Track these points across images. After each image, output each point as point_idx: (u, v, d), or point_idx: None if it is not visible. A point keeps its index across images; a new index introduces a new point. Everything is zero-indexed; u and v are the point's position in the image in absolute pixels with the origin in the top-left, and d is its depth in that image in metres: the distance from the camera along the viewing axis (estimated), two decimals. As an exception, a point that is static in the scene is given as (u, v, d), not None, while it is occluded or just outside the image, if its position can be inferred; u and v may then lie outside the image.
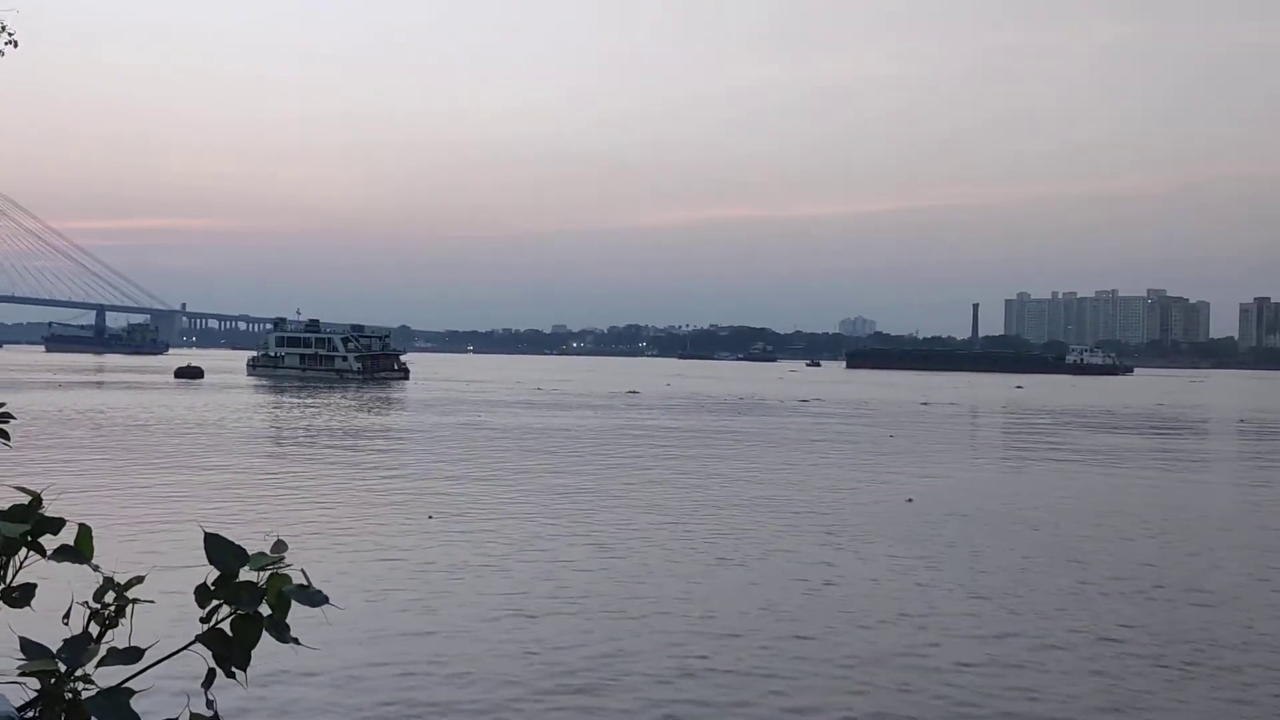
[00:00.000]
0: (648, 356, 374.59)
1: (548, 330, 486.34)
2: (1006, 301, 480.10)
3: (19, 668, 1.78)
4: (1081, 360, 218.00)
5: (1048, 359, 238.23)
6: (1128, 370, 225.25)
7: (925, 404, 73.22)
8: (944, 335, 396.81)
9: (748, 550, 17.71)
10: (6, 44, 14.45)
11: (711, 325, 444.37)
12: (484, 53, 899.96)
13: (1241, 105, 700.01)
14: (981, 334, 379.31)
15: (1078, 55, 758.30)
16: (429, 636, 12.25)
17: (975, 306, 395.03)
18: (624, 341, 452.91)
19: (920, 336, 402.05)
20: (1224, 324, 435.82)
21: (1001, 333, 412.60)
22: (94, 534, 1.93)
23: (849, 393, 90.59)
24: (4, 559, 1.87)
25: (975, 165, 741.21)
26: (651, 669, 11.17)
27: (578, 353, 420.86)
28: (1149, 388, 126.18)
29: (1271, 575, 16.49)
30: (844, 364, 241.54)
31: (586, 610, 13.54)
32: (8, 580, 1.90)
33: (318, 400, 65.29)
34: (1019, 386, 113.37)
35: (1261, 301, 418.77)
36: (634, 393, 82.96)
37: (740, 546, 18.05)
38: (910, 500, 23.82)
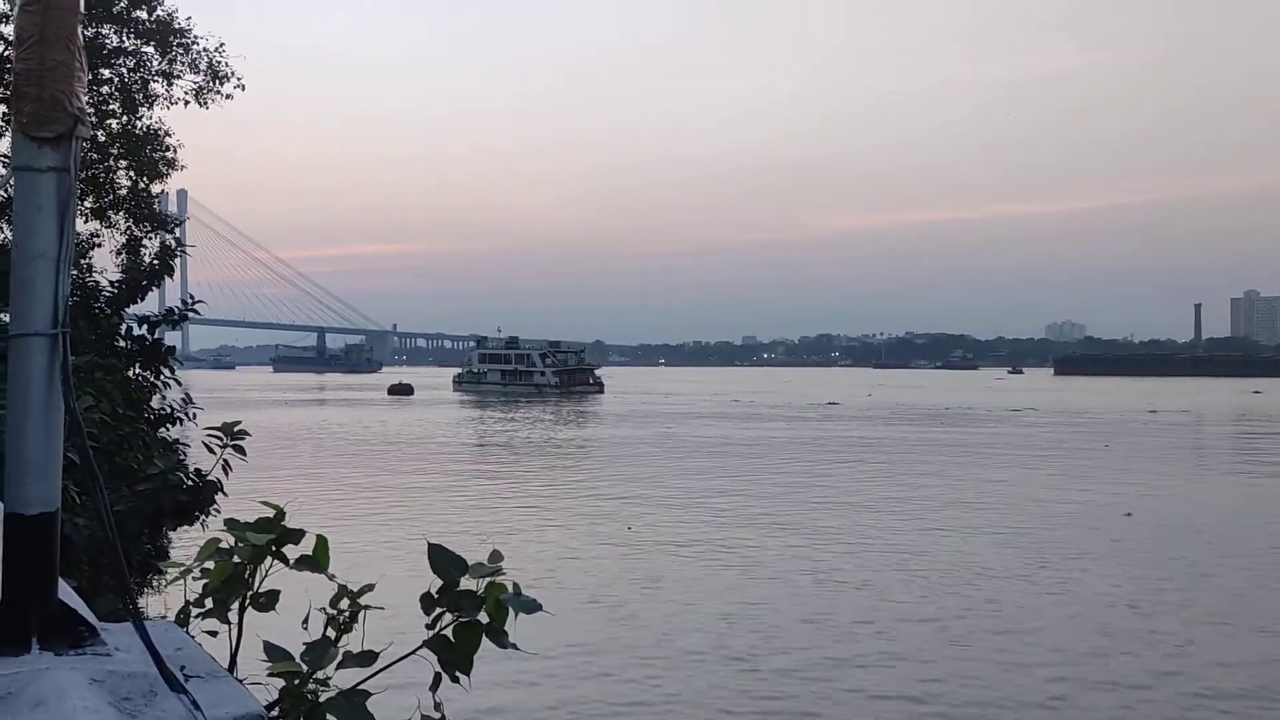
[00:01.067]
0: (841, 366, 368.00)
1: (738, 342, 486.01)
2: (1233, 300, 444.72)
3: (268, 670, 1.86)
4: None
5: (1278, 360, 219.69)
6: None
7: (1153, 411, 68.66)
8: (1162, 338, 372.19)
9: (961, 574, 17.11)
10: (236, 88, 15.76)
11: (907, 333, 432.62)
12: (670, 71, 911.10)
13: None
14: (1205, 336, 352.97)
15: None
16: (631, 646, 12.42)
17: (1197, 307, 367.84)
18: (816, 352, 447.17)
19: (1135, 340, 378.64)
20: None
21: (1228, 334, 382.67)
22: (329, 544, 2.05)
23: (1067, 401, 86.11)
24: (251, 567, 2.01)
25: (1186, 155, 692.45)
26: (867, 686, 10.95)
27: (769, 364, 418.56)
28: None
29: None
30: (1051, 371, 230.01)
31: (793, 624, 13.42)
32: (255, 586, 2.03)
33: (519, 414, 67.53)
34: (1256, 391, 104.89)
35: None
36: (833, 404, 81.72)
37: (951, 571, 17.47)
38: (1129, 514, 22.45)
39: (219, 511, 5.53)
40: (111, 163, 15.33)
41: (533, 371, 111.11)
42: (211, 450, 4.04)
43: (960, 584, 15.87)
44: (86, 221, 14.95)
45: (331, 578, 2.00)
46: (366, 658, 1.90)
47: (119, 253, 14.85)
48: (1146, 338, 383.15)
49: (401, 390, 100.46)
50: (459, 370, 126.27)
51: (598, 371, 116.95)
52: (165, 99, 15.61)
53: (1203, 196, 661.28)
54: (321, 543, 2.02)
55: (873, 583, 15.95)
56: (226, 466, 4.45)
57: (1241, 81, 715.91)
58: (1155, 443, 45.47)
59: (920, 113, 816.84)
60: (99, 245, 15.18)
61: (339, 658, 1.91)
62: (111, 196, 15.23)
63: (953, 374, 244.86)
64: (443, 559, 1.91)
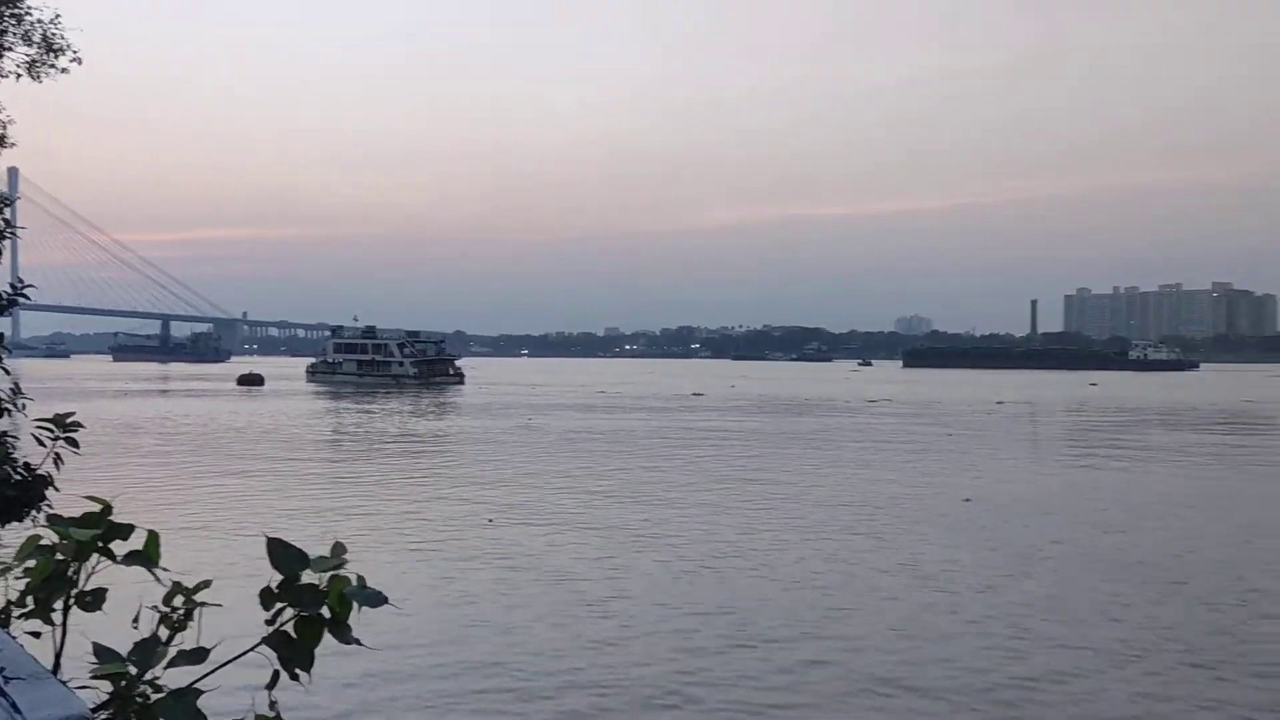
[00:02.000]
0: (700, 358, 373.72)
1: (600, 333, 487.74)
2: (1066, 297, 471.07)
3: (91, 671, 1.81)
4: (1145, 356, 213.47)
5: (1110, 355, 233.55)
6: (1193, 366, 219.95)
7: (1000, 403, 72.02)
8: (1001, 332, 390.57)
9: (799, 551, 17.61)
10: (72, 61, 14.90)
11: (765, 326, 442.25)
12: (537, 57, 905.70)
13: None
14: (1040, 330, 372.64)
15: (1132, 44, 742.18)
16: (489, 637, 12.33)
17: (1034, 303, 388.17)
18: (676, 343, 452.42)
19: (977, 334, 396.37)
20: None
21: (1061, 329, 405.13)
22: (161, 539, 1.98)
23: (917, 393, 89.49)
24: (76, 564, 1.92)
25: (1028, 158, 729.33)
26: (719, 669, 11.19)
27: (630, 355, 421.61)
28: (1224, 384, 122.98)
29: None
30: (900, 363, 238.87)
31: (649, 609, 13.55)
32: (80, 585, 1.95)
33: (375, 406, 66.11)
34: (1093, 384, 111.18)
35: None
36: (698, 395, 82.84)
37: (788, 548, 17.95)
38: (968, 500, 23.44)
39: (50, 507, 5.24)
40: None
41: (390, 362, 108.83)
42: (41, 443, 3.83)
43: (809, 567, 16.29)
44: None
45: (161, 574, 1.92)
46: (198, 655, 1.85)
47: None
48: (987, 331, 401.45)
49: (251, 380, 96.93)
50: (313, 360, 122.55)
51: (458, 362, 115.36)
52: (-7, 71, 14.62)
53: (1039, 198, 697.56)
54: (152, 538, 1.95)
55: (723, 567, 16.21)
56: (58, 460, 4.22)
57: (1076, 91, 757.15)
58: (998, 432, 47.77)
59: (782, 109, 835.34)
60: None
61: (169, 656, 1.84)
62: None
63: (809, 366, 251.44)
64: (283, 553, 1.86)
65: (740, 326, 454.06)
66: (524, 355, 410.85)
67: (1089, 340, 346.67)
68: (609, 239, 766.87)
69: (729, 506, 22.55)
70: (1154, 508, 22.85)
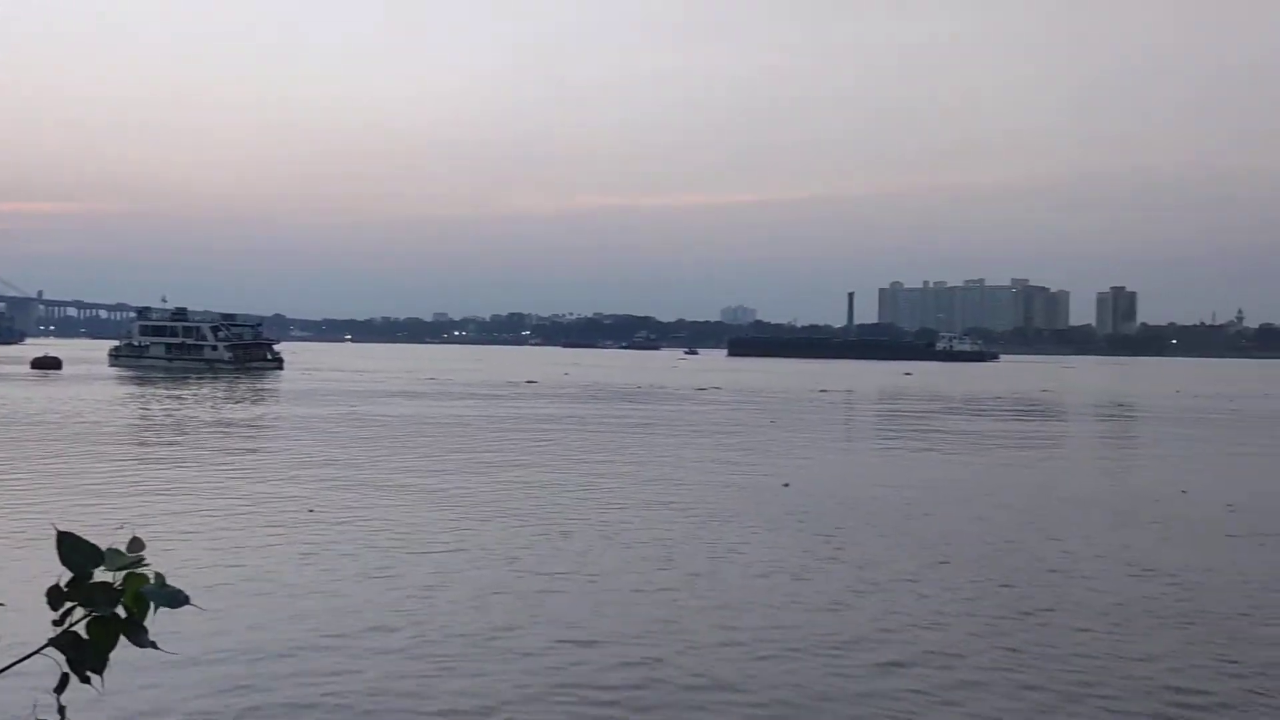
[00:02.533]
0: (531, 345, 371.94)
1: (429, 319, 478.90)
2: (880, 290, 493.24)
3: None
4: (950, 347, 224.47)
5: (919, 346, 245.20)
6: (994, 357, 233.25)
7: (823, 391, 74.31)
8: (821, 323, 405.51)
9: (620, 531, 17.65)
10: None
11: (595, 313, 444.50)
12: (366, 39, 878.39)
13: (1109, 104, 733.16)
14: (857, 322, 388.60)
15: (940, 49, 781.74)
16: (304, 634, 11.77)
17: (851, 295, 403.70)
18: (507, 330, 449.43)
19: (799, 325, 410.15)
20: (1082, 312, 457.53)
21: (876, 321, 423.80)
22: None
23: (745, 381, 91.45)
24: None
25: (850, 157, 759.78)
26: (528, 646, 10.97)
27: (460, 341, 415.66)
28: (1023, 374, 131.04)
29: (1111, 548, 17.08)
30: (725, 352, 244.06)
31: (469, 600, 13.26)
32: None
33: (187, 392, 62.51)
34: (908, 374, 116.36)
35: (1117, 291, 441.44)
36: (532, 382, 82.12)
37: (611, 527, 17.97)
38: (787, 485, 23.79)
39: None
40: None
41: (203, 346, 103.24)
42: None
43: (629, 550, 16.30)
44: None
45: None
46: (-28, 661, 1.67)
47: None
48: (808, 322, 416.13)
49: (47, 364, 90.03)
50: (116, 343, 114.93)
51: (278, 347, 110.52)
52: None
53: (855, 196, 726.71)
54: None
55: (547, 555, 16.01)
56: None
57: (891, 94, 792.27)
58: (819, 419, 49.28)
59: (617, 101, 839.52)
60: None
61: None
62: None
63: (638, 354, 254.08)
64: (74, 548, 1.74)
65: (571, 314, 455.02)
66: (348, 340, 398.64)
67: (901, 332, 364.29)
68: (438, 224, 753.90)
69: (558, 495, 22.34)
70: (958, 491, 23.93)
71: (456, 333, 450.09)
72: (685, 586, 14.17)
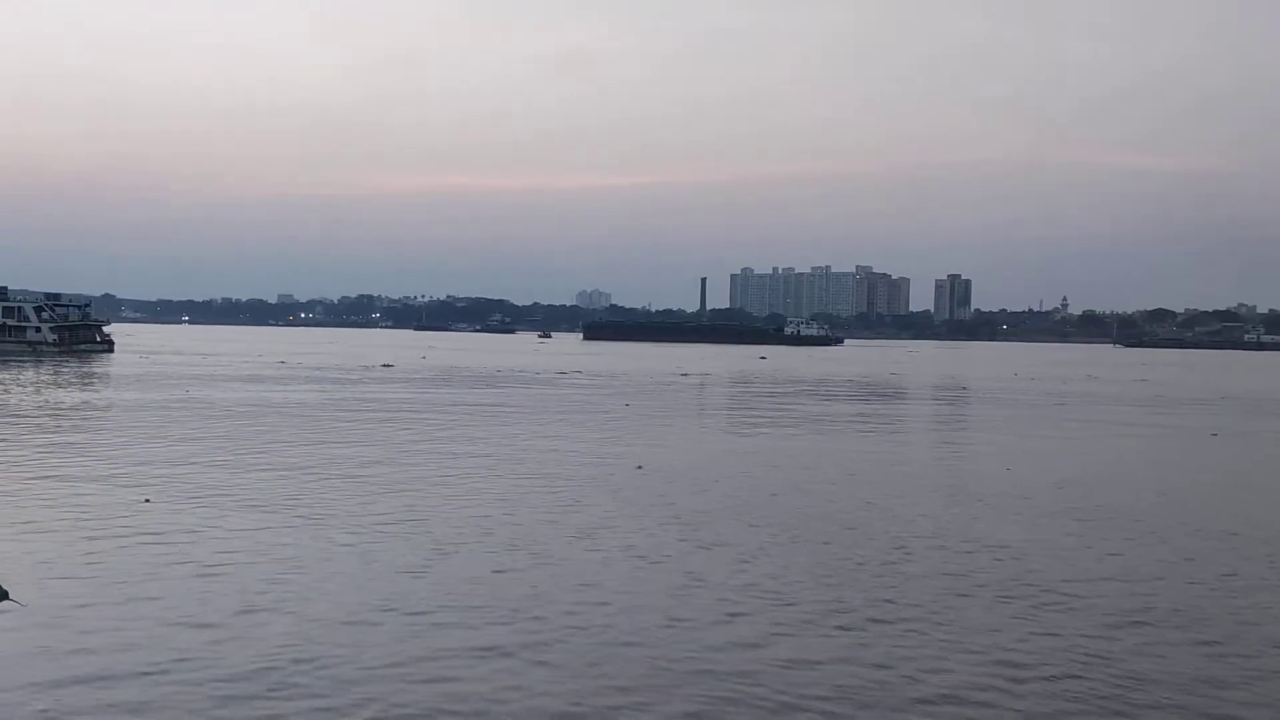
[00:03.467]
0: (382, 328, 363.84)
1: (273, 300, 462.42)
2: (732, 276, 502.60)
3: None
4: (798, 332, 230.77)
5: (768, 331, 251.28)
6: (839, 341, 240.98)
7: (684, 374, 75.52)
8: (675, 308, 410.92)
9: (470, 517, 17.82)
10: None
11: (449, 296, 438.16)
12: (205, 14, 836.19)
13: (949, 99, 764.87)
14: (709, 307, 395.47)
15: (800, 40, 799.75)
16: (132, 637, 11.31)
17: (703, 280, 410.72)
18: (356, 312, 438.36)
19: (653, 309, 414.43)
20: (921, 298, 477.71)
21: (727, 305, 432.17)
22: None
23: (607, 364, 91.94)
24: None
25: (703, 143, 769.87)
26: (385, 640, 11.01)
27: (306, 324, 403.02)
28: (870, 357, 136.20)
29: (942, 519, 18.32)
30: (581, 336, 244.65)
31: (308, 590, 13.16)
32: None
33: (8, 376, 58.80)
34: (763, 358, 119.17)
35: (953, 278, 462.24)
36: (388, 366, 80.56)
37: (463, 513, 18.11)
38: (640, 467, 24.32)
39: None
40: None
41: (25, 327, 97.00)
42: None
43: (499, 539, 16.40)
44: None
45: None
46: None
47: None
48: (662, 307, 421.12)
49: None
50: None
51: (108, 328, 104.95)
52: None
53: (708, 182, 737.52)
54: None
55: (395, 541, 15.95)
56: None
57: (744, 82, 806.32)
58: (677, 402, 50.30)
59: (466, 77, 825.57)
60: None
61: None
62: None
63: (494, 337, 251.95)
64: None
65: (423, 296, 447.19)
66: (185, 322, 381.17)
67: (751, 317, 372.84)
68: (287, 202, 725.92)
69: (410, 479, 22.18)
70: (806, 471, 24.94)
71: (303, 315, 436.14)
72: (536, 568, 14.32)
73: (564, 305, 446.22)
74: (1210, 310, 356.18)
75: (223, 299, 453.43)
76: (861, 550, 15.83)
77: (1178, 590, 13.71)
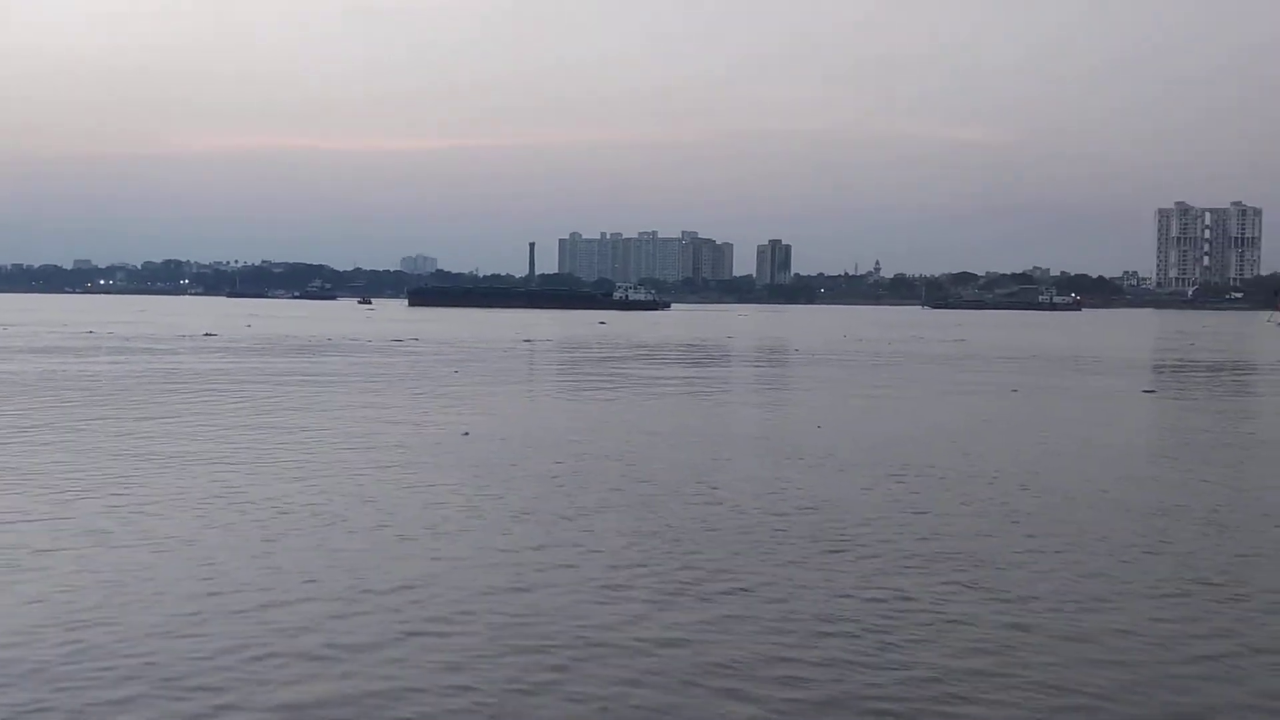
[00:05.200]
0: (192, 295, 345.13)
1: (69, 266, 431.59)
2: (560, 241, 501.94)
3: None
4: (627, 297, 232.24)
5: (597, 296, 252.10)
6: (666, 305, 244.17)
7: (528, 341, 74.78)
8: (503, 273, 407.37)
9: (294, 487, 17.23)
10: None
11: (264, 261, 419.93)
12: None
13: (777, 69, 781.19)
14: (538, 272, 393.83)
15: (632, 5, 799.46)
16: None
17: (532, 245, 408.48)
18: (163, 279, 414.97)
19: (480, 274, 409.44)
20: (744, 263, 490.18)
21: (556, 270, 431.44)
22: None
23: (444, 331, 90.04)
24: None
25: (530, 106, 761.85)
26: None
27: (107, 291, 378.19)
28: (700, 321, 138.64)
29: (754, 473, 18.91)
30: (406, 302, 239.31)
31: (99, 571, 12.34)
32: None
33: None
34: (602, 322, 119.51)
35: (774, 243, 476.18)
36: (211, 335, 76.47)
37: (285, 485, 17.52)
38: (467, 433, 24.09)
39: None
40: None
41: None
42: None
43: (309, 506, 15.94)
44: None
45: None
46: None
47: None
48: (490, 272, 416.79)
49: None
50: None
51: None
52: None
53: (535, 145, 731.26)
54: None
55: (206, 533, 14.73)
56: None
57: (572, 48, 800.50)
58: (512, 367, 49.93)
59: (283, 32, 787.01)
60: None
61: None
62: None
63: (314, 304, 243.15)
64: None
65: (236, 262, 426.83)
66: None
67: (580, 282, 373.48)
68: (83, 162, 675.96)
69: (228, 453, 21.09)
70: (632, 432, 25.02)
71: (103, 281, 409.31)
72: (358, 540, 13.92)
73: (388, 270, 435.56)
74: (1008, 273, 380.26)
75: (13, 265, 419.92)
76: (674, 509, 16.01)
77: (963, 533, 14.61)
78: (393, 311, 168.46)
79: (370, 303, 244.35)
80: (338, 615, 10.80)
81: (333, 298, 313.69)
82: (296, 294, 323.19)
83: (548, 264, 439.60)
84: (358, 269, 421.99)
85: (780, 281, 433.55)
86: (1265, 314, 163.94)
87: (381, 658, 9.67)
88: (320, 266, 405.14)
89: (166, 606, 11.00)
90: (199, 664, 9.41)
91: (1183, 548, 13.98)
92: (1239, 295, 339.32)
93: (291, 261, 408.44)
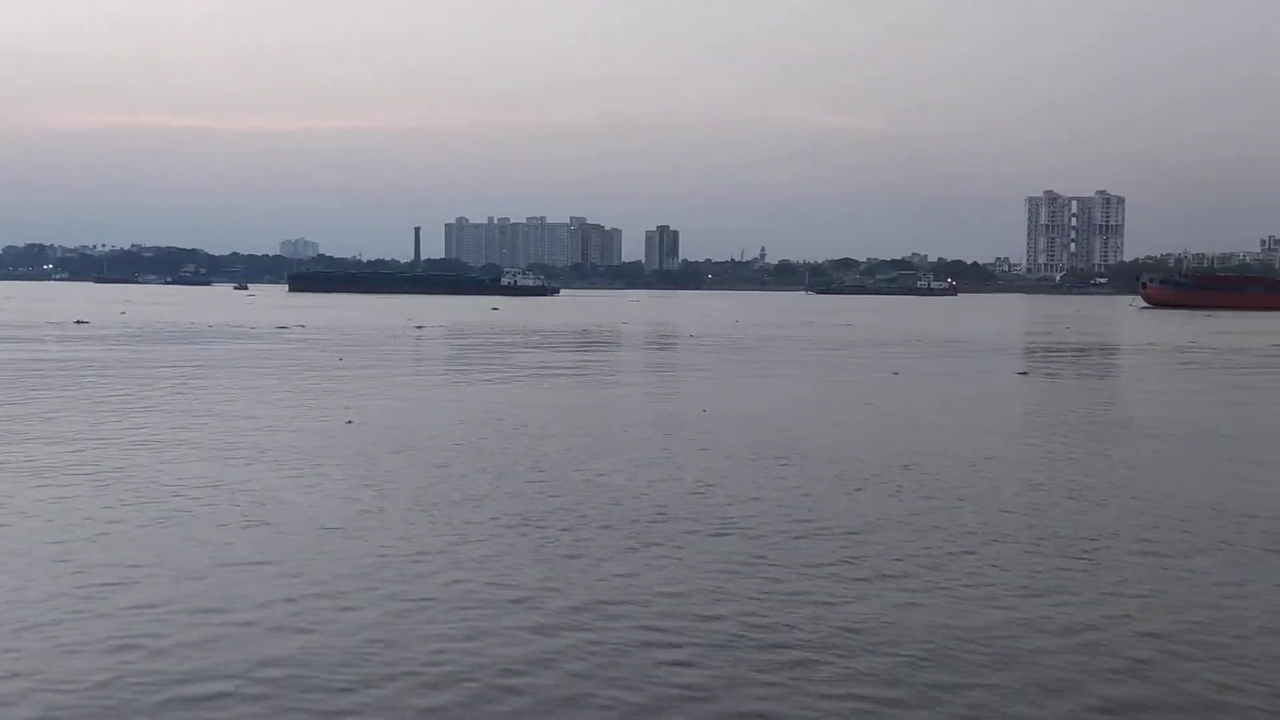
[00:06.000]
0: (57, 281, 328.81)
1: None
2: (446, 225, 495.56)
3: None
4: (515, 282, 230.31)
5: (485, 281, 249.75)
6: (555, 291, 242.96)
7: (420, 327, 73.57)
8: (388, 258, 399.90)
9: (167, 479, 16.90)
10: None
11: (134, 245, 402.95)
12: None
13: (667, 51, 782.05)
14: (424, 257, 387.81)
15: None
16: None
17: (417, 230, 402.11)
18: (24, 264, 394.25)
19: (364, 259, 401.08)
20: (633, 249, 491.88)
21: (442, 256, 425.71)
22: None
23: (330, 318, 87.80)
24: None
25: (413, 89, 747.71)
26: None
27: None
28: (591, 307, 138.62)
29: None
30: (286, 287, 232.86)
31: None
32: None
33: None
34: (495, 309, 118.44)
35: (662, 229, 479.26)
36: (82, 322, 73.11)
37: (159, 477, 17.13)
38: (350, 421, 23.78)
39: None
40: None
41: None
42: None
43: (155, 501, 15.45)
44: None
45: None
46: None
47: None
48: (374, 257, 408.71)
49: None
50: None
51: None
52: None
53: (420, 129, 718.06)
54: None
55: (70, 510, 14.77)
56: None
57: (471, 28, 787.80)
58: (401, 354, 49.26)
59: (152, 10, 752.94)
60: None
61: None
62: None
63: (189, 290, 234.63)
64: None
65: (104, 246, 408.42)
66: None
67: (467, 267, 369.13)
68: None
69: (106, 441, 20.63)
70: (520, 419, 24.82)
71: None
72: (229, 534, 13.55)
73: (266, 255, 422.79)
74: (888, 259, 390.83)
75: None
76: (552, 494, 16.11)
77: (843, 511, 15.17)
78: (274, 298, 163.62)
79: (248, 288, 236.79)
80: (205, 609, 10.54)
81: (208, 283, 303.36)
82: (169, 279, 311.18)
83: (434, 249, 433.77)
84: (234, 253, 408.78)
85: (668, 267, 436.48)
86: (1128, 298, 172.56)
87: (250, 641, 9.56)
88: (194, 251, 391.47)
89: None
90: None
91: (1043, 513, 15.13)
92: (1104, 280, 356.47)
93: (163, 245, 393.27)
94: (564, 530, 13.91)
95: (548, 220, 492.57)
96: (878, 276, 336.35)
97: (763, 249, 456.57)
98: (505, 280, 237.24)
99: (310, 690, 8.71)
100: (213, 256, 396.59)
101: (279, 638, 9.82)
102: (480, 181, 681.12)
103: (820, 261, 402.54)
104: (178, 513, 14.67)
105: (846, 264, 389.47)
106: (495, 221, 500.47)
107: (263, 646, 9.57)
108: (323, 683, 8.84)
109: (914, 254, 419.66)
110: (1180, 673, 9.24)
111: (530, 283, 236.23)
